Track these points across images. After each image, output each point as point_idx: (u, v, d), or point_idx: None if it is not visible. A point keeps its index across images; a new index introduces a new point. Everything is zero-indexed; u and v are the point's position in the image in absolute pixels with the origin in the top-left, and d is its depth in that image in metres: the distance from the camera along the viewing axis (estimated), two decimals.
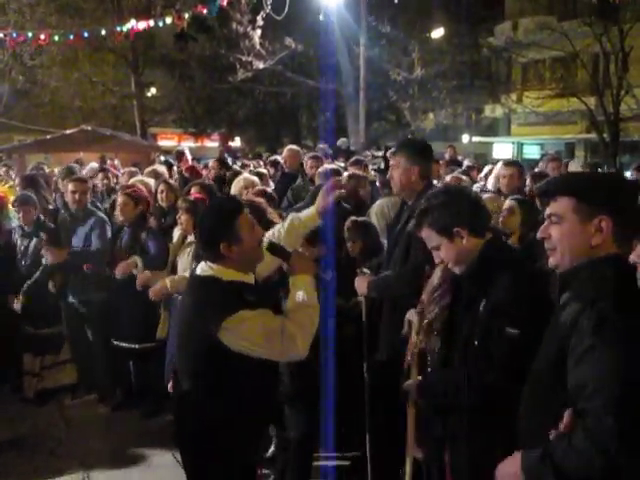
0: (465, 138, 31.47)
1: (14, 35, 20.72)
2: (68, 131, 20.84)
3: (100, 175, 10.27)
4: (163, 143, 33.78)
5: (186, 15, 17.32)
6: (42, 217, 7.41)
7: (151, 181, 8.23)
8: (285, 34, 21.20)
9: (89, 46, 26.13)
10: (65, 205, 7.70)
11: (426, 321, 3.52)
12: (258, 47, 21.09)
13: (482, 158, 25.58)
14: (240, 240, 3.42)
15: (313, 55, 21.82)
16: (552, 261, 2.60)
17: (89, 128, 20.84)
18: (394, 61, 22.29)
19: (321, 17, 16.21)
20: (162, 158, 14.37)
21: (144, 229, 6.83)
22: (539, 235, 2.64)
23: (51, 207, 8.28)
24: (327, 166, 7.92)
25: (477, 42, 26.12)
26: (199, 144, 33.30)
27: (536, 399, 2.59)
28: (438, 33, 23.66)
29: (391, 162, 4.84)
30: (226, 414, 3.38)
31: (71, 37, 20.60)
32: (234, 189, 7.21)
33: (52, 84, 28.15)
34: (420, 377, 3.46)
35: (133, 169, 10.38)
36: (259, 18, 19.28)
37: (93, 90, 29.03)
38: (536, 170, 8.32)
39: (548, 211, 2.61)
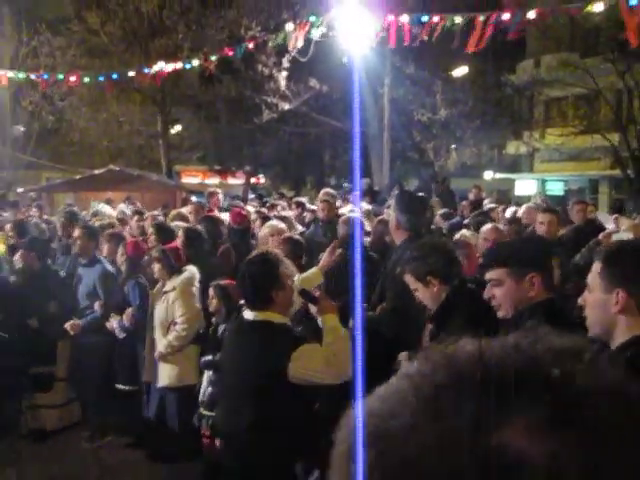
0: (488, 175, 31.47)
1: (45, 77, 21.19)
2: (96, 171, 21.18)
3: (136, 217, 10.36)
4: (187, 180, 34.13)
5: (213, 57, 17.61)
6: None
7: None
8: (310, 75, 21.48)
9: (117, 87, 26.63)
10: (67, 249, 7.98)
11: None
12: (283, 89, 21.37)
13: (504, 195, 25.59)
14: (284, 287, 4.02)
15: (337, 96, 22.04)
16: (500, 314, 3.32)
17: (117, 168, 21.16)
18: (418, 101, 22.47)
19: (345, 59, 16.36)
20: (194, 199, 14.48)
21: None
22: (485, 295, 3.38)
23: None
24: (351, 215, 7.93)
25: (500, 80, 26.22)
26: (223, 181, 33.58)
27: None
28: (461, 71, 23.84)
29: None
30: (286, 441, 3.82)
31: (101, 78, 21.02)
32: (260, 235, 7.33)
33: (81, 124, 28.62)
34: None
35: (156, 212, 10.50)
36: (284, 60, 19.57)
37: (120, 130, 29.45)
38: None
39: (488, 276, 3.36)
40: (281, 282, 4.02)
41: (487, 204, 11.40)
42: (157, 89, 26.66)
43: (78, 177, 22.10)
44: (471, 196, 13.25)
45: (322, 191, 10.60)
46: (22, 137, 29.53)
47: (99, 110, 28.58)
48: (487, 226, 6.38)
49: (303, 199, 12.63)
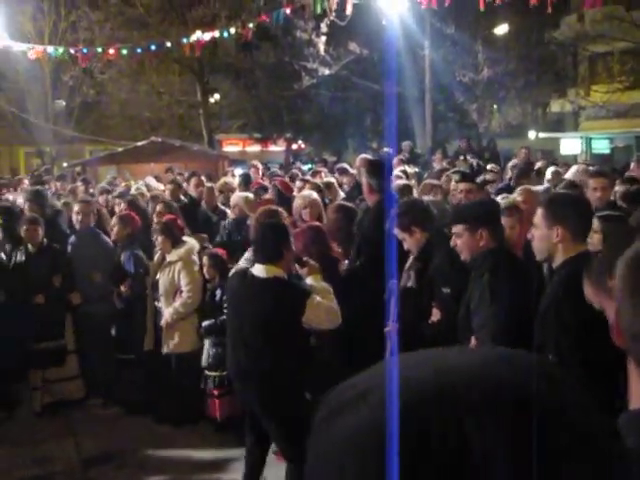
0: (532, 134, 30.92)
1: (85, 51, 21.29)
2: (139, 143, 21.26)
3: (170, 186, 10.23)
4: (228, 149, 34.18)
5: (250, 25, 17.49)
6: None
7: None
8: (349, 39, 21.22)
9: (155, 58, 26.65)
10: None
11: None
12: (322, 53, 21.15)
13: (549, 154, 25.12)
14: (290, 247, 4.91)
15: (377, 59, 21.75)
16: (462, 257, 4.43)
17: (159, 139, 21.23)
18: (459, 62, 22.08)
19: (384, 22, 16.12)
20: (238, 171, 14.45)
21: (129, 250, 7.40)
22: (451, 244, 4.50)
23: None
24: (398, 182, 7.89)
25: (542, 37, 25.60)
26: (264, 149, 33.56)
27: (460, 329, 4.31)
28: (502, 29, 23.33)
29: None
30: (298, 370, 4.80)
31: (139, 50, 21.05)
32: (294, 206, 7.30)
33: (121, 96, 28.77)
34: None
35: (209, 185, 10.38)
36: (323, 25, 19.34)
37: (160, 101, 29.54)
38: (627, 175, 8.16)
39: (453, 230, 4.49)
40: (289, 242, 4.89)
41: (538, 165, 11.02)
42: (195, 58, 26.62)
43: (121, 150, 22.22)
44: (521, 156, 12.97)
45: (359, 157, 10.49)
46: (64, 112, 29.76)
47: (138, 82, 28.73)
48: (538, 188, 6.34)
49: (345, 165, 12.47)
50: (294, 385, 4.82)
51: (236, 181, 11.06)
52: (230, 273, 5.42)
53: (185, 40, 19.07)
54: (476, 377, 0.73)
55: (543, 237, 3.72)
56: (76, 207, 7.96)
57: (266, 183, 10.21)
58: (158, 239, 7.05)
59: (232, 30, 18.15)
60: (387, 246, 5.10)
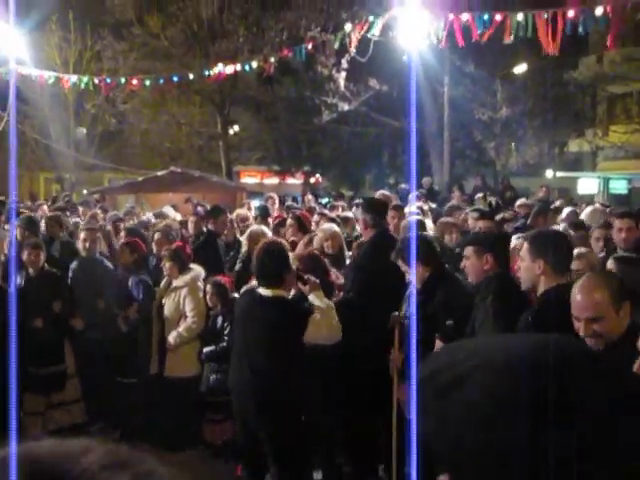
0: (549, 173, 30.91)
1: (108, 81, 21.59)
2: (158, 173, 21.42)
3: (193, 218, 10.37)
4: (246, 180, 34.35)
5: (272, 59, 17.70)
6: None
7: None
8: (369, 75, 21.44)
9: (177, 89, 26.97)
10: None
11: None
12: (342, 89, 21.38)
13: (566, 193, 25.10)
14: (290, 270, 5.27)
15: (396, 95, 21.95)
16: (469, 279, 5.03)
17: (178, 170, 21.38)
18: (478, 100, 22.24)
19: (405, 58, 16.29)
20: (255, 203, 14.53)
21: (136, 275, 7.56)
22: (461, 266, 5.18)
23: None
24: (412, 218, 7.96)
25: (561, 77, 25.73)
26: (282, 181, 33.67)
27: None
28: (521, 69, 23.50)
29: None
30: (297, 386, 5.13)
31: (161, 81, 21.33)
32: (316, 239, 7.40)
33: (142, 126, 29.08)
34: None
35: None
36: (344, 60, 19.57)
37: (180, 131, 29.84)
38: None
39: (464, 253, 5.04)
40: (289, 266, 5.27)
41: (556, 204, 11.06)
42: (216, 90, 26.91)
43: (140, 179, 22.40)
44: (540, 194, 12.99)
45: (377, 193, 10.53)
46: (85, 139, 30.10)
47: (160, 112, 29.01)
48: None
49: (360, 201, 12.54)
50: (293, 400, 5.16)
51: (252, 213, 11.14)
52: (241, 291, 5.85)
53: (207, 72, 19.33)
54: (552, 349, 1.18)
55: (527, 269, 4.22)
56: (82, 234, 8.05)
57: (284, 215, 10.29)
58: (166, 265, 7.25)
59: (254, 64, 18.36)
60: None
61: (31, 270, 7.46)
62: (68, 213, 13.03)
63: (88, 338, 7.62)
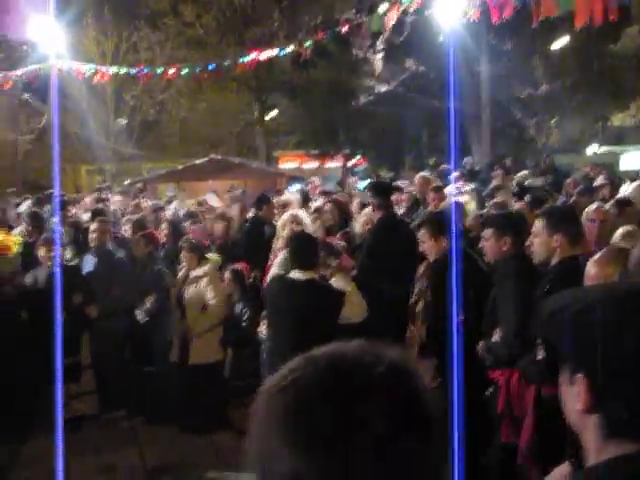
0: (591, 149, 30.39)
1: (145, 71, 21.73)
2: (198, 161, 21.56)
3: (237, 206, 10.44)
4: (285, 166, 34.36)
5: (307, 43, 17.63)
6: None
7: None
8: (405, 56, 21.28)
9: (213, 77, 27.01)
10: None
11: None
12: (379, 71, 21.24)
13: (609, 169, 24.63)
14: (319, 254, 5.54)
15: (434, 75, 21.75)
16: (487, 259, 5.28)
17: (218, 157, 21.49)
18: (517, 77, 21.92)
19: (441, 38, 16.13)
20: (294, 187, 14.56)
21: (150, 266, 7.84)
22: (480, 245, 5.38)
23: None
24: (453, 199, 8.03)
25: (603, 50, 25.22)
26: (321, 165, 33.63)
27: (485, 322, 4.99)
28: (560, 43, 23.07)
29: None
30: None
31: (198, 70, 21.40)
32: (358, 222, 7.89)
33: (180, 115, 29.27)
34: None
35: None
36: (379, 42, 19.43)
37: (218, 119, 29.92)
38: None
39: (482, 233, 5.27)
40: (318, 249, 5.54)
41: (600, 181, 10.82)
42: (252, 77, 26.92)
43: (180, 167, 22.57)
44: (583, 172, 12.75)
45: (418, 175, 10.49)
46: (124, 131, 30.37)
47: (197, 100, 29.13)
48: (591, 206, 6.34)
49: (401, 183, 12.49)
50: None
51: (293, 198, 11.15)
52: (268, 280, 6.14)
53: (242, 59, 19.32)
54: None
55: (544, 243, 4.54)
56: (93, 226, 8.14)
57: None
58: (185, 255, 7.53)
59: (289, 48, 18.32)
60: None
61: (48, 265, 7.62)
62: (108, 203, 13.24)
63: (102, 328, 7.76)
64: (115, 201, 13.19)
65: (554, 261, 4.51)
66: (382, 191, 7.21)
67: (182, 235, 8.44)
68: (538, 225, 4.59)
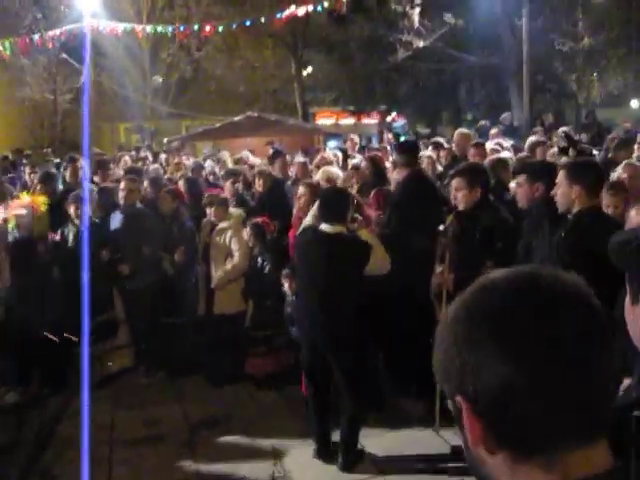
0: (634, 103, 29.74)
1: (181, 29, 21.72)
2: (235, 118, 21.57)
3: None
4: (321, 122, 34.20)
5: None
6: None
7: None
8: (444, 10, 20.91)
9: (250, 33, 26.84)
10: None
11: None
12: (417, 25, 20.92)
13: None
14: (349, 209, 5.62)
15: (472, 30, 21.38)
16: (519, 204, 5.50)
17: (255, 114, 21.48)
18: (558, 30, 21.42)
19: None
20: (331, 144, 14.58)
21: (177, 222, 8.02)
22: (512, 192, 6.05)
23: None
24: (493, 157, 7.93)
25: None
26: (357, 122, 33.42)
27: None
28: None
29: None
30: (359, 307, 5.58)
31: (234, 26, 21.32)
32: (393, 178, 7.82)
33: (217, 72, 29.18)
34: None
35: (302, 160, 10.46)
36: None
37: (255, 75, 29.78)
38: None
39: (516, 180, 5.59)
40: (349, 205, 5.64)
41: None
42: (288, 32, 26.69)
43: (217, 125, 22.59)
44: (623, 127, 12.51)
45: (456, 132, 10.37)
46: (161, 88, 30.38)
47: (233, 57, 28.99)
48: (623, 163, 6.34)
49: (440, 139, 12.34)
50: (354, 317, 5.56)
51: (333, 156, 11.10)
52: (300, 229, 6.21)
53: (279, 15, 19.18)
54: None
55: (564, 194, 4.60)
56: (122, 184, 8.13)
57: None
58: (212, 210, 7.69)
59: (325, 3, 18.15)
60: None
61: (77, 222, 7.70)
62: (149, 162, 13.36)
63: (134, 284, 7.82)
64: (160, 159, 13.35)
65: (574, 211, 4.61)
66: (407, 149, 7.28)
67: (200, 192, 8.52)
68: (560, 176, 4.69)
